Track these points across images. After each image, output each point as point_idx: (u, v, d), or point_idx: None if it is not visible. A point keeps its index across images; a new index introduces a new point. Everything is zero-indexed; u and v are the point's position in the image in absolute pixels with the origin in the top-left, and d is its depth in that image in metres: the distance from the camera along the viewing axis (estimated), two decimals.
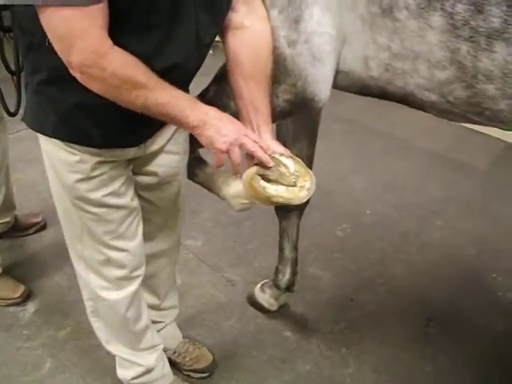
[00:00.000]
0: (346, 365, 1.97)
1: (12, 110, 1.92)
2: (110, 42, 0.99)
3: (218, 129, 1.10)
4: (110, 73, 1.00)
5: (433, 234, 2.67)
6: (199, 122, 1.09)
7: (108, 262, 1.40)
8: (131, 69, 1.01)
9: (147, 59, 1.04)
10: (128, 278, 1.46)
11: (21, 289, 2.15)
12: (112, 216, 1.32)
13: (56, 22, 0.96)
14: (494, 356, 2.03)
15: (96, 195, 1.26)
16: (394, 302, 2.25)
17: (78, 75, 1.01)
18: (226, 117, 1.14)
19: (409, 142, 3.50)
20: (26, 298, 2.16)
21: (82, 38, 0.96)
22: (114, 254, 1.38)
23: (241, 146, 1.12)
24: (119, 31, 1.00)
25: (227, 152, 1.11)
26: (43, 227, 2.52)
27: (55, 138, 1.20)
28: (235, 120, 1.16)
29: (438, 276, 2.40)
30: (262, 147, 1.15)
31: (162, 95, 1.05)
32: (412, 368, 1.98)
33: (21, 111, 1.62)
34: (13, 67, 1.80)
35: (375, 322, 2.16)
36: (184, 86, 1.23)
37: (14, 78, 1.83)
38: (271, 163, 1.14)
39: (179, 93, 1.08)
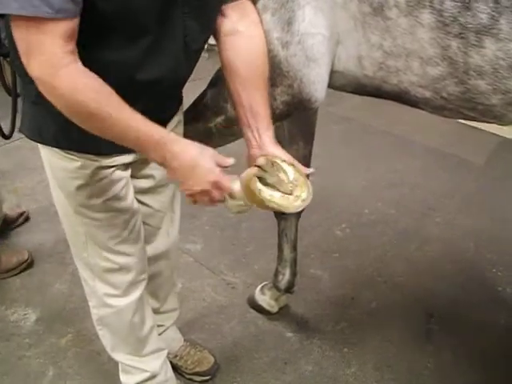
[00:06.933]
0: (348, 364, 1.97)
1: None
2: (68, 59, 0.95)
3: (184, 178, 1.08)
4: (59, 94, 0.97)
5: (432, 231, 2.67)
6: (162, 160, 1.06)
7: (114, 268, 1.40)
8: (82, 94, 0.96)
9: (135, 68, 1.03)
10: (134, 283, 1.46)
11: (27, 253, 2.26)
12: (116, 220, 1.32)
13: (18, 34, 0.94)
14: (496, 351, 2.03)
15: (98, 200, 1.26)
16: (395, 300, 2.25)
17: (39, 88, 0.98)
18: (197, 166, 1.06)
19: (406, 139, 3.50)
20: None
21: (38, 53, 0.93)
22: (120, 259, 1.39)
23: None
24: (104, 40, 0.98)
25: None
26: (27, 218, 2.58)
27: (56, 147, 1.19)
28: (207, 163, 1.07)
29: (439, 272, 2.40)
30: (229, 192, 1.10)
31: (117, 127, 1.01)
32: (415, 365, 1.97)
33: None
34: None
35: (376, 320, 2.16)
36: (175, 92, 1.23)
37: None
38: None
39: (143, 125, 1.02)
